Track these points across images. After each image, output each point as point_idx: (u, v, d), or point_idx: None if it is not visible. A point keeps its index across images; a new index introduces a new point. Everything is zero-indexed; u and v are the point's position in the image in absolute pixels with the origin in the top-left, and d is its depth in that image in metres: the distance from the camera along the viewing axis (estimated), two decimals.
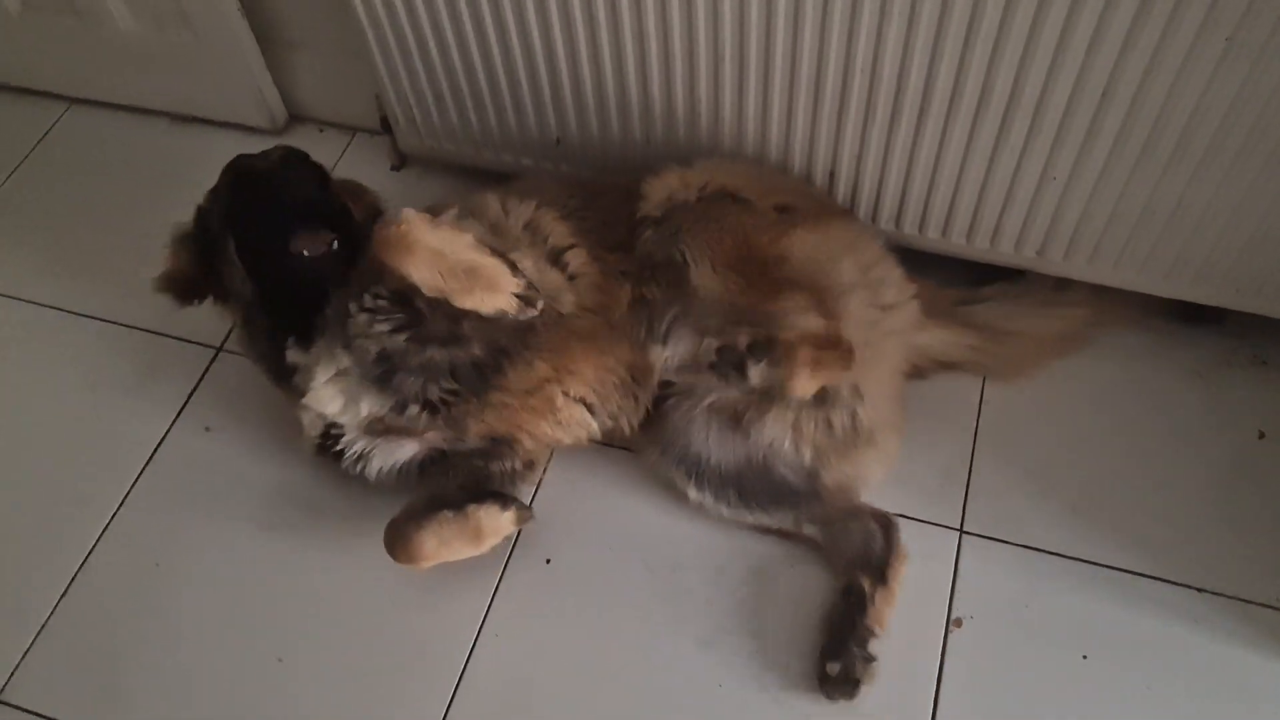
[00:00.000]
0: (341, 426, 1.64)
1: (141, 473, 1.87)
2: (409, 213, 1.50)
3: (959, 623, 1.62)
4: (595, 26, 1.72)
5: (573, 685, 1.60)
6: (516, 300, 1.52)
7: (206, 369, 2.00)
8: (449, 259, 1.48)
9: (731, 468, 1.67)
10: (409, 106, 2.05)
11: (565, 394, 1.67)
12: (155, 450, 1.90)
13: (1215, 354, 1.86)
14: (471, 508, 1.61)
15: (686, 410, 1.68)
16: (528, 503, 1.74)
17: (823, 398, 1.60)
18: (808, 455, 1.64)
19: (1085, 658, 1.57)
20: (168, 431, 1.92)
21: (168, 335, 2.04)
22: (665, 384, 1.70)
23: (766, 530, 1.71)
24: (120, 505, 1.84)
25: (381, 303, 1.52)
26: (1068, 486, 1.74)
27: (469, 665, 1.63)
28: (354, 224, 1.59)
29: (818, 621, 1.62)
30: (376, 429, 1.63)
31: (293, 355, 1.59)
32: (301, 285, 1.55)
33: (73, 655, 1.69)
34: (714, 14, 1.63)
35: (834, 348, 1.55)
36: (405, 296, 1.52)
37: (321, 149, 2.33)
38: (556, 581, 1.71)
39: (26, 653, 1.69)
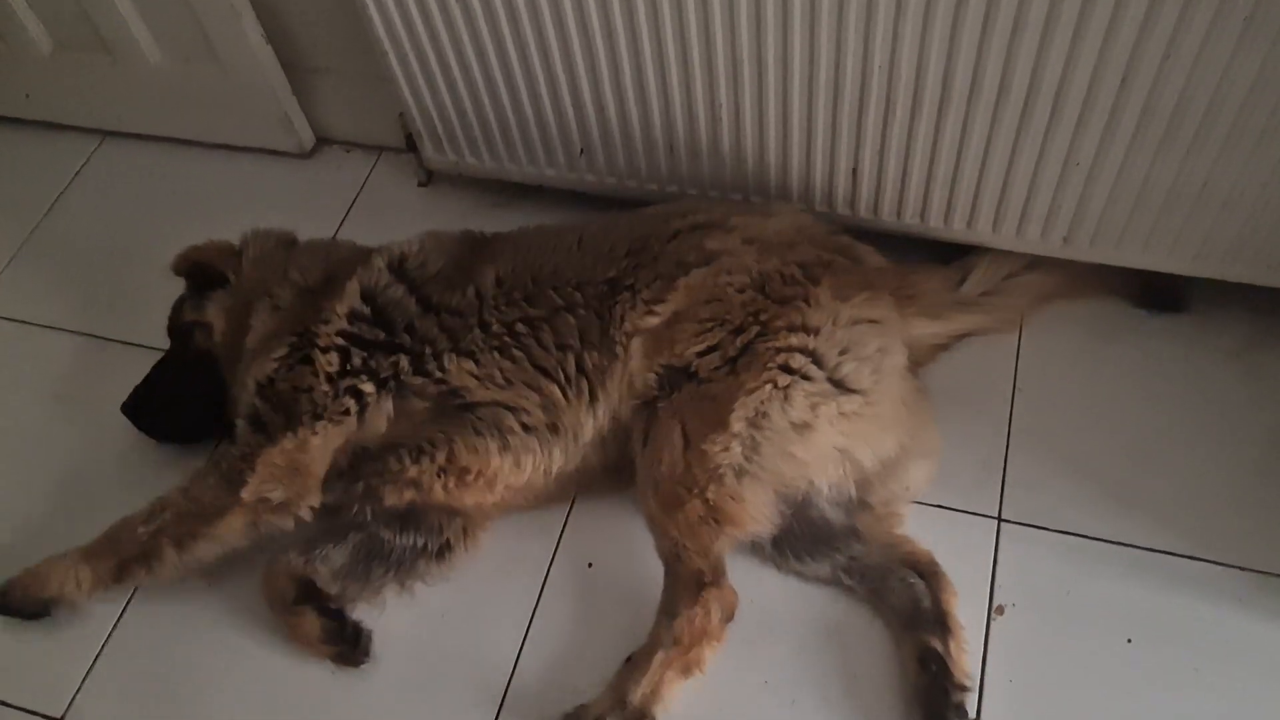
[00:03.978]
0: None
1: None
2: None
3: (1000, 610, 1.62)
4: (614, 38, 1.74)
5: None
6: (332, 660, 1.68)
7: None
8: None
9: None
10: (433, 124, 2.09)
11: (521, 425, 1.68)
12: None
13: (1250, 333, 1.85)
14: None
15: None
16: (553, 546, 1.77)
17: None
18: (852, 488, 1.63)
19: (1130, 641, 1.57)
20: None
21: None
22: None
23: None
24: None
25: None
26: (1104, 471, 1.73)
27: (516, 672, 1.65)
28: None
29: (857, 638, 1.63)
30: None
31: None
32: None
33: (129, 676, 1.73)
34: (731, 22, 1.65)
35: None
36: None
37: (349, 169, 2.40)
38: (597, 586, 1.73)
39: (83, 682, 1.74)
